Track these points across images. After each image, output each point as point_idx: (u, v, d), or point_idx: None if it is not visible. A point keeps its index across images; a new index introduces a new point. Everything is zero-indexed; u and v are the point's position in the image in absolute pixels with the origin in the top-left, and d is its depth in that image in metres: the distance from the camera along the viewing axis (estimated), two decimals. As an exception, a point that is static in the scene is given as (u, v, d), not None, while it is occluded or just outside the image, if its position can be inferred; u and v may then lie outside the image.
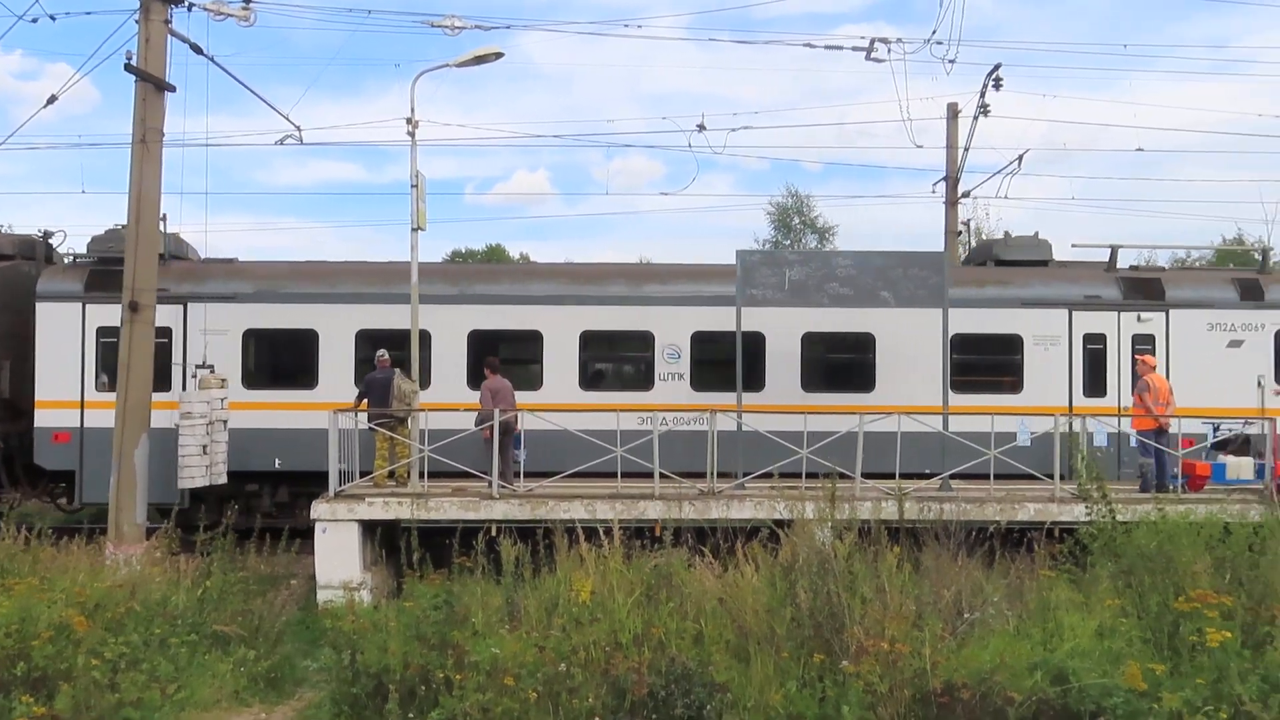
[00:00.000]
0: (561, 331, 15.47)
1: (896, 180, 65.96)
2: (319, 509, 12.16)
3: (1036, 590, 8.28)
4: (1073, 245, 21.37)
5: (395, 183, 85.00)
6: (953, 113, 20.98)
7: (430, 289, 14.73)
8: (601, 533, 8.73)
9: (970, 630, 7.36)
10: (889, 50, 16.57)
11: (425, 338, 14.71)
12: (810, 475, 12.18)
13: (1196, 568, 7.55)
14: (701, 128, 19.08)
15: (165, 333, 14.89)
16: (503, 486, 12.53)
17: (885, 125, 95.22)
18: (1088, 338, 16.12)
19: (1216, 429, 14.85)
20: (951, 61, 16.62)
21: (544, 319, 15.52)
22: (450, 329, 15.33)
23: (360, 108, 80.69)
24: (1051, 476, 12.85)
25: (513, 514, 12.15)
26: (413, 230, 13.61)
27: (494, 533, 9.80)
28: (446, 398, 14.78)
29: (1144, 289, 16.48)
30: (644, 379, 15.63)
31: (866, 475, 12.78)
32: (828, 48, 16.29)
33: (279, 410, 15.05)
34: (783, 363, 15.57)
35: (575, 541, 8.79)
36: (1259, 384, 15.91)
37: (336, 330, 15.34)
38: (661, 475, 12.55)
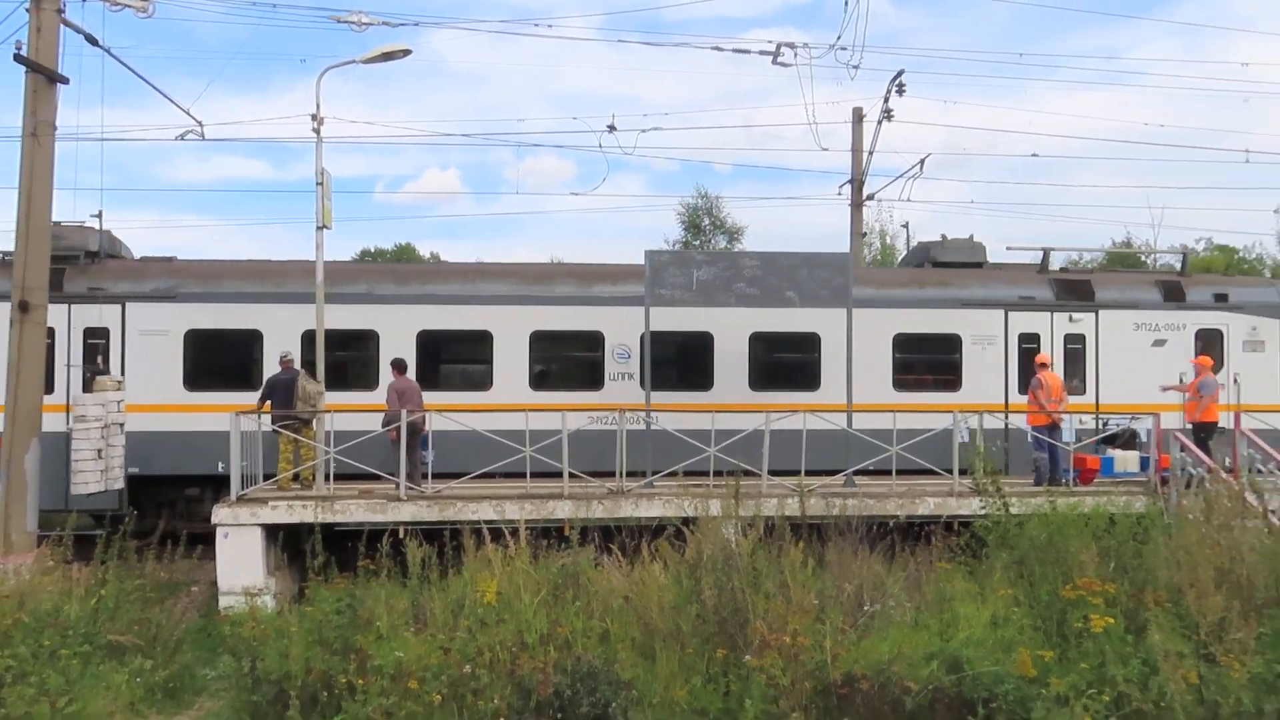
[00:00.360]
0: (511, 331, 15.44)
1: (804, 182, 67.39)
2: (220, 513, 11.84)
3: (934, 582, 8.54)
4: (1007, 249, 22.33)
5: (302, 180, 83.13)
6: (857, 117, 21.49)
7: (380, 289, 14.94)
8: (507, 533, 8.71)
9: (870, 622, 7.57)
10: (795, 55, 16.91)
11: (373, 337, 14.84)
12: (748, 474, 12.41)
13: (1083, 557, 7.89)
14: (612, 128, 19.17)
15: (102, 333, 14.57)
16: (410, 488, 12.38)
17: (793, 128, 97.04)
18: (1023, 337, 16.73)
19: (1105, 424, 15.54)
20: (855, 67, 17.05)
21: (494, 319, 15.48)
22: (399, 328, 15.21)
23: (265, 103, 78.54)
24: (951, 471, 13.28)
25: (421, 516, 12.02)
26: (318, 229, 13.36)
27: (401, 535, 9.68)
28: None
29: (1075, 290, 17.14)
30: (594, 379, 15.69)
31: (794, 473, 13.10)
32: (735, 51, 16.58)
33: (221, 412, 14.79)
34: (732, 362, 15.84)
35: (484, 543, 8.75)
36: (1180, 381, 16.54)
37: (281, 330, 14.96)
38: (571, 475, 12.56)
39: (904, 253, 32.05)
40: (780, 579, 7.44)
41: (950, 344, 16.43)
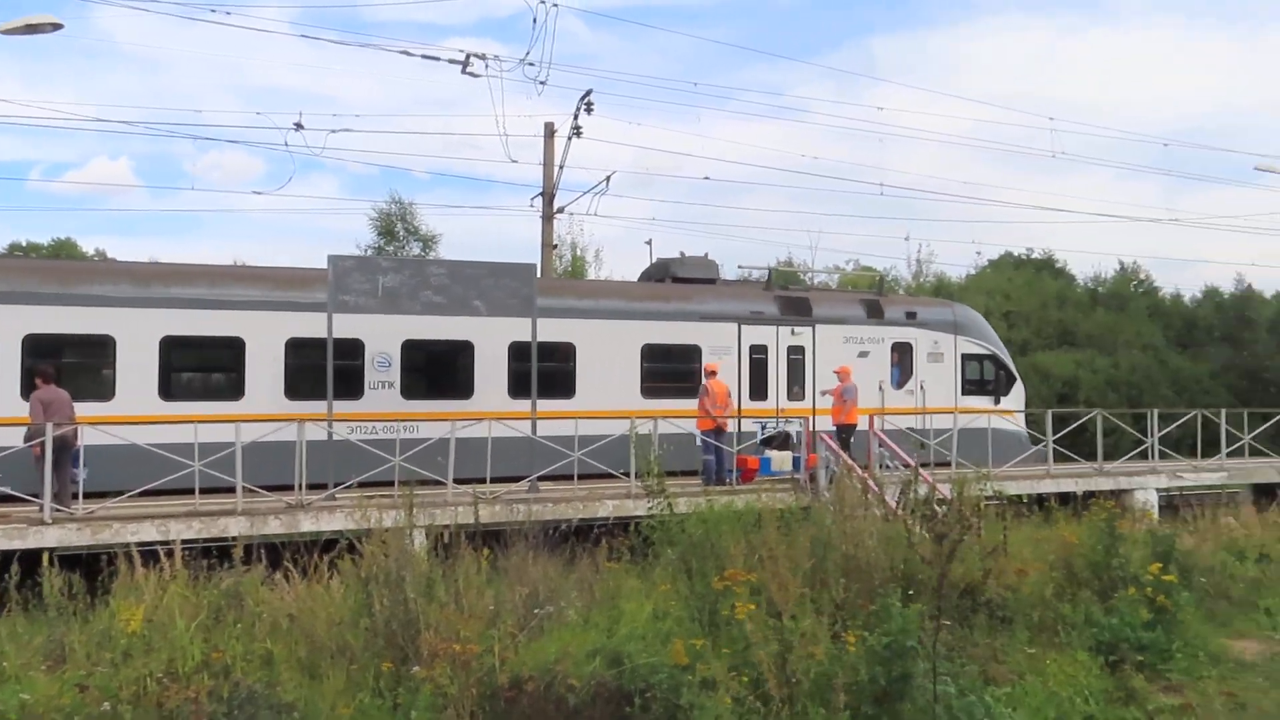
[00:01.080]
0: (265, 338, 14.63)
1: (501, 193, 67.97)
2: None
3: (604, 582, 8.99)
4: (739, 266, 24.56)
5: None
6: (549, 132, 22.00)
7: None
8: (163, 555, 8.09)
9: (542, 625, 7.82)
10: (486, 66, 17.04)
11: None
12: (438, 482, 12.62)
13: (733, 550, 8.65)
14: (299, 126, 18.30)
15: None
16: (57, 509, 11.11)
17: (489, 138, 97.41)
18: (753, 348, 18.12)
19: (764, 427, 17.08)
20: (543, 83, 17.49)
21: (246, 324, 14.55)
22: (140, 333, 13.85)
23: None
24: (627, 474, 13.99)
25: (69, 540, 10.85)
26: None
27: (48, 562, 8.67)
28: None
29: (796, 307, 18.86)
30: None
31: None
32: (425, 57, 16.40)
33: None
34: (494, 370, 15.79)
35: (147, 566, 8.07)
36: (880, 387, 18.84)
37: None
38: (247, 489, 11.88)
39: (592, 265, 33.27)
40: (455, 587, 7.50)
41: (692, 354, 17.56)
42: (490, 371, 16.02)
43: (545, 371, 16.42)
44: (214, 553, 9.82)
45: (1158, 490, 18.31)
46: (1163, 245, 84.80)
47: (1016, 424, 20.17)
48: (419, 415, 14.58)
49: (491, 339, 15.86)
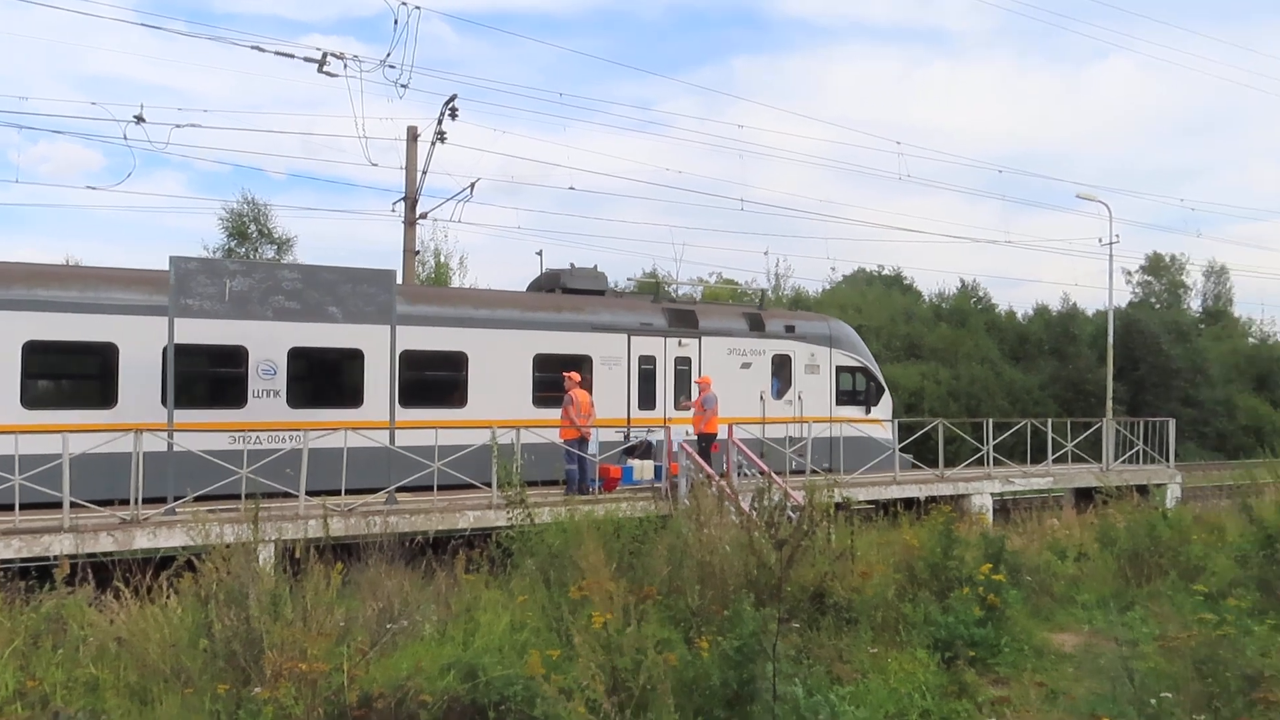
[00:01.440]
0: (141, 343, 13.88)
1: (363, 196, 66.16)
2: None
3: (462, 594, 8.87)
4: (628, 279, 24.86)
5: None
6: (412, 136, 21.60)
7: None
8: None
9: (396, 640, 7.65)
10: (345, 66, 16.59)
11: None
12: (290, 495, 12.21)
13: (592, 559, 8.67)
14: (140, 119, 17.34)
15: None
16: None
17: (351, 140, 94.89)
18: (642, 359, 18.42)
19: (627, 437, 17.22)
20: (404, 86, 17.20)
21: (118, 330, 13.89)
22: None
23: None
24: (487, 484, 13.86)
25: None
26: None
27: None
28: None
29: (683, 319, 19.26)
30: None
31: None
32: (278, 54, 15.81)
33: None
34: (381, 379, 15.00)
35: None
36: (761, 397, 19.52)
37: None
38: (74, 504, 11.16)
39: (456, 272, 32.81)
40: (303, 604, 7.24)
41: (583, 364, 17.68)
42: (378, 380, 15.51)
43: (438, 381, 16.42)
44: (33, 573, 9.18)
45: (992, 495, 19.43)
46: (999, 265, 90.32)
47: (886, 432, 21.18)
48: (302, 424, 14.16)
49: (382, 347, 15.32)
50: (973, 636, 8.64)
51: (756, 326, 20.19)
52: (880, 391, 21.88)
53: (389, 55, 17.87)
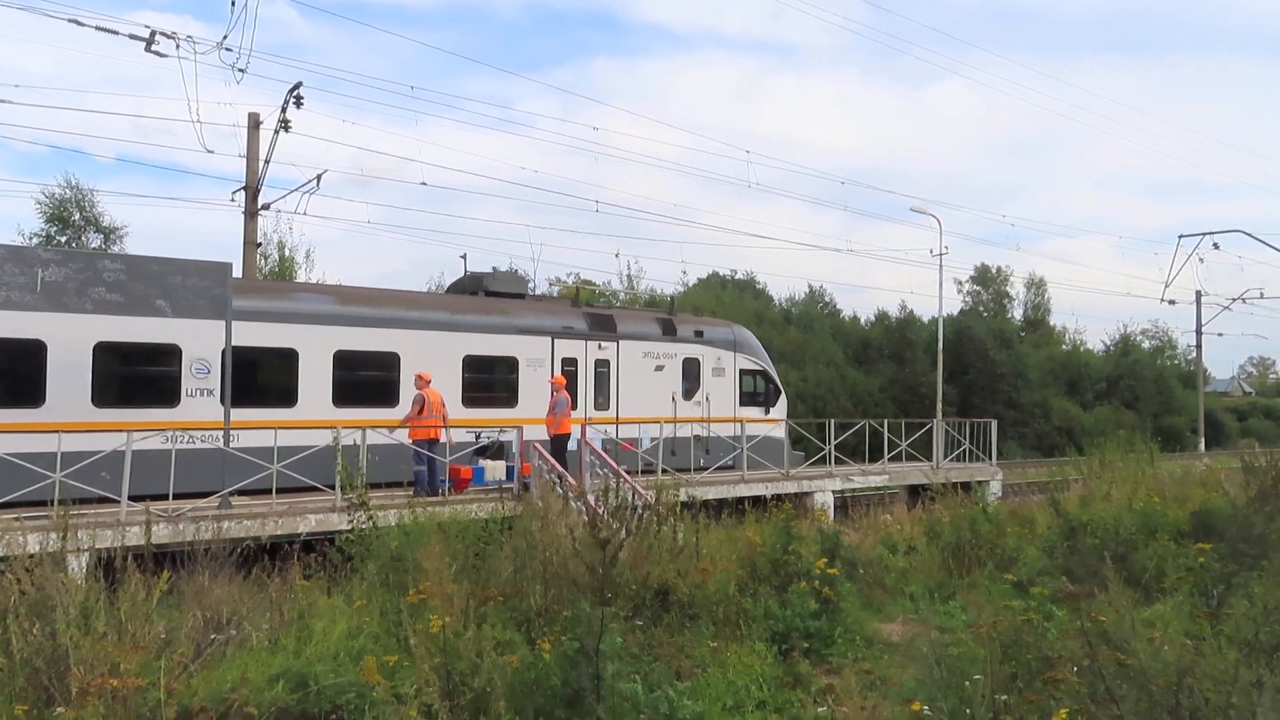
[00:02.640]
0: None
1: (200, 184, 62.97)
2: None
3: (295, 600, 8.55)
4: (548, 281, 25.61)
5: None
6: (254, 123, 20.66)
7: None
8: None
9: (223, 650, 7.31)
10: (177, 47, 15.70)
11: None
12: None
13: (433, 562, 8.52)
14: (-60, 93, 15.89)
15: None
16: None
17: (186, 125, 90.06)
18: (565, 360, 19.00)
19: (478, 437, 17.03)
20: (242, 70, 16.45)
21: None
22: None
23: None
24: (329, 487, 13.44)
25: None
26: None
27: None
28: None
29: (603, 323, 19.97)
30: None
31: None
32: (100, 29, 14.74)
33: None
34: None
35: None
36: (673, 398, 20.52)
37: None
38: None
39: (303, 266, 31.69)
40: (117, 616, 6.82)
41: (510, 365, 18.32)
42: (312, 381, 15.82)
43: (371, 380, 16.71)
44: None
45: (833, 492, 20.23)
46: (843, 272, 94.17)
47: (781, 431, 22.42)
48: (244, 424, 14.01)
49: (316, 348, 15.95)
50: (808, 629, 8.96)
51: (669, 331, 21.10)
52: (778, 393, 23.15)
53: (225, 37, 17.02)
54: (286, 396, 15.63)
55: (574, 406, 18.75)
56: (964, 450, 23.67)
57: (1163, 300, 45.50)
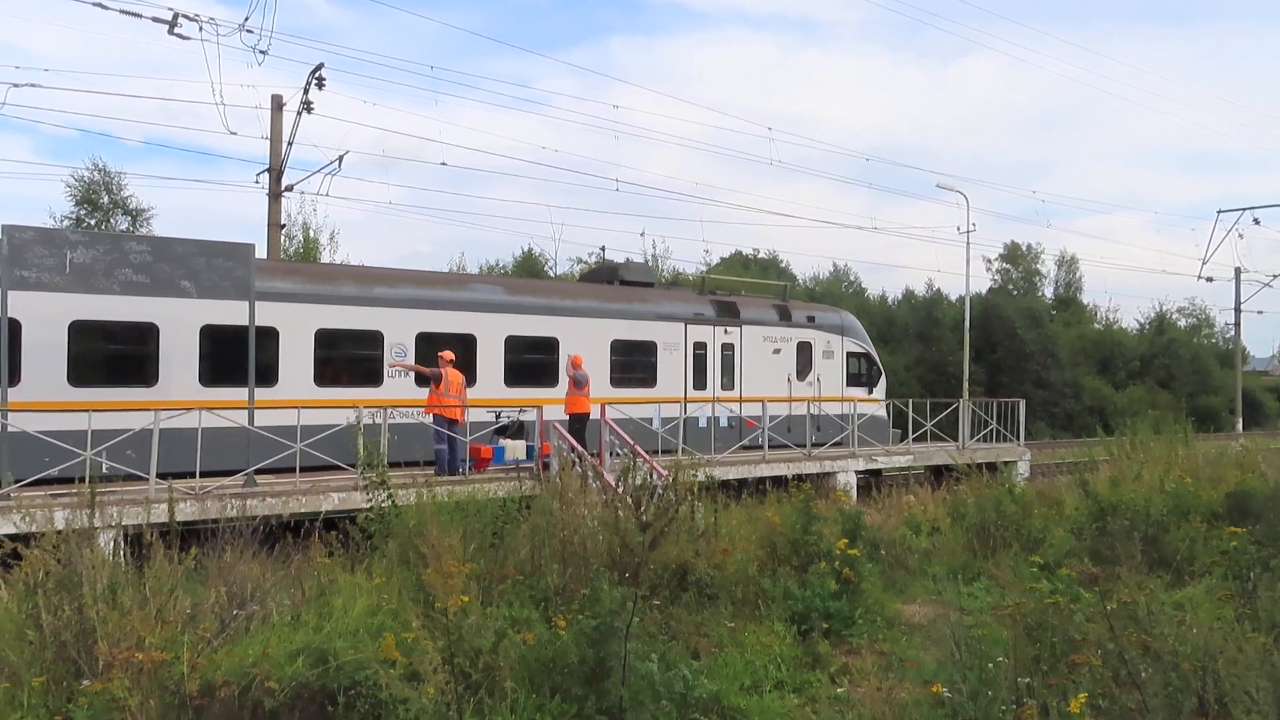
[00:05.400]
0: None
1: (226, 167, 63.39)
2: None
3: (316, 577, 8.63)
4: (675, 271, 27.38)
5: None
6: (277, 105, 20.73)
7: None
8: None
9: (245, 626, 7.39)
10: (200, 29, 15.77)
11: None
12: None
13: (451, 541, 8.56)
14: (-29, 75, 16.06)
15: None
16: None
17: (211, 107, 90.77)
18: (695, 344, 20.51)
19: (499, 417, 17.08)
20: (263, 52, 16.50)
21: None
22: None
23: None
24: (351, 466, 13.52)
25: None
26: None
27: None
28: None
29: (728, 310, 21.53)
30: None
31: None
32: (124, 12, 14.80)
33: None
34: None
35: None
36: (788, 379, 21.91)
37: None
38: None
39: (327, 248, 31.90)
40: (143, 592, 6.91)
41: (649, 349, 19.80)
42: (488, 364, 17.61)
43: (535, 363, 18.39)
44: None
45: (856, 473, 20.13)
46: (869, 250, 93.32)
47: (882, 410, 23.85)
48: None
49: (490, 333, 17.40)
50: (828, 609, 8.93)
51: (784, 317, 22.51)
52: (880, 375, 24.56)
53: (246, 19, 17.07)
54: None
55: (703, 386, 20.60)
56: (991, 430, 23.47)
57: (1199, 277, 44.69)
